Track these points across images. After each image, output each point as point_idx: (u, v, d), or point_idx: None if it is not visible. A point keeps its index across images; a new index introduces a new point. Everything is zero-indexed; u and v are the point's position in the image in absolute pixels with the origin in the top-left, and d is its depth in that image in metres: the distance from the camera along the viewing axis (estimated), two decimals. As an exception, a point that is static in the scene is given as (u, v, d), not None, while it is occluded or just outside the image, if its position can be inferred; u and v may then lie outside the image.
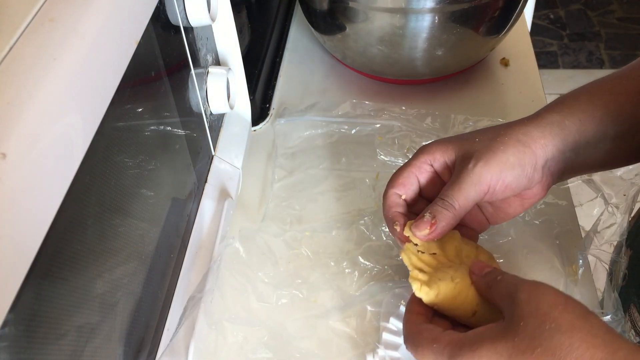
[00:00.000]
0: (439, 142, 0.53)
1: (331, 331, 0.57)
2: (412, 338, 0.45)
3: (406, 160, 0.54)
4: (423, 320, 0.46)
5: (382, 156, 0.71)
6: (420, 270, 0.48)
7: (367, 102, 0.76)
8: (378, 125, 0.74)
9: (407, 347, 0.46)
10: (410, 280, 0.48)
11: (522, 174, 0.49)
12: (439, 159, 0.52)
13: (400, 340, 0.54)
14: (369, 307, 0.58)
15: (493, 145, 0.49)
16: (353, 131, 0.74)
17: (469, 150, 0.50)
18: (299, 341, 0.56)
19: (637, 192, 0.60)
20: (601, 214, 0.61)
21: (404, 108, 0.74)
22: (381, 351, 0.53)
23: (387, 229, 0.64)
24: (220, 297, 0.57)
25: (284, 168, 0.72)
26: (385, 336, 0.54)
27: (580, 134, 0.49)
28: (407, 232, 0.51)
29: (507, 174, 0.48)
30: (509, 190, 0.49)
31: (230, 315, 0.57)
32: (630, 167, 0.60)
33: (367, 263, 0.62)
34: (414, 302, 0.48)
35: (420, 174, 0.53)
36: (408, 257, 0.50)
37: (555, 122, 0.49)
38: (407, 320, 0.47)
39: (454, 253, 0.51)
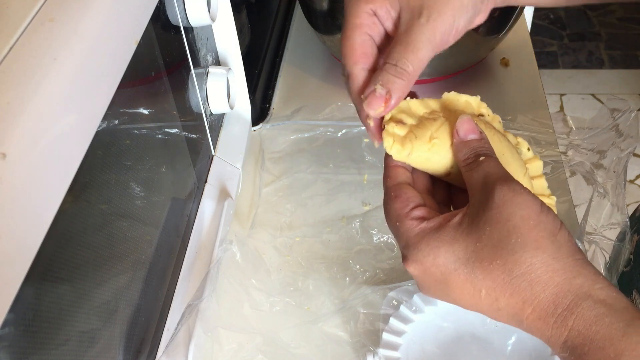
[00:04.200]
0: None
1: (326, 337, 0.57)
2: (386, 200, 0.42)
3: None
4: (403, 178, 0.42)
5: (369, 158, 0.71)
6: (399, 121, 0.43)
7: (352, 105, 0.75)
8: (364, 128, 0.73)
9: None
10: (384, 134, 0.42)
11: (474, 12, 0.44)
12: (380, 6, 0.43)
13: (400, 340, 0.54)
14: (362, 310, 0.57)
15: None
16: (339, 134, 0.74)
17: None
18: (294, 349, 0.56)
19: (625, 165, 0.59)
20: (592, 197, 0.60)
21: None
22: (381, 351, 0.53)
23: (379, 231, 0.63)
24: (216, 303, 0.57)
25: (272, 172, 0.71)
26: (385, 336, 0.54)
27: None
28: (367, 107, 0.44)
29: (460, 20, 0.43)
30: (460, 34, 0.44)
31: (225, 322, 0.57)
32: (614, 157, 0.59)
33: (358, 267, 0.61)
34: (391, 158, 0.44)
35: (373, 31, 0.44)
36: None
37: None
38: (385, 176, 0.43)
39: (449, 104, 0.45)
